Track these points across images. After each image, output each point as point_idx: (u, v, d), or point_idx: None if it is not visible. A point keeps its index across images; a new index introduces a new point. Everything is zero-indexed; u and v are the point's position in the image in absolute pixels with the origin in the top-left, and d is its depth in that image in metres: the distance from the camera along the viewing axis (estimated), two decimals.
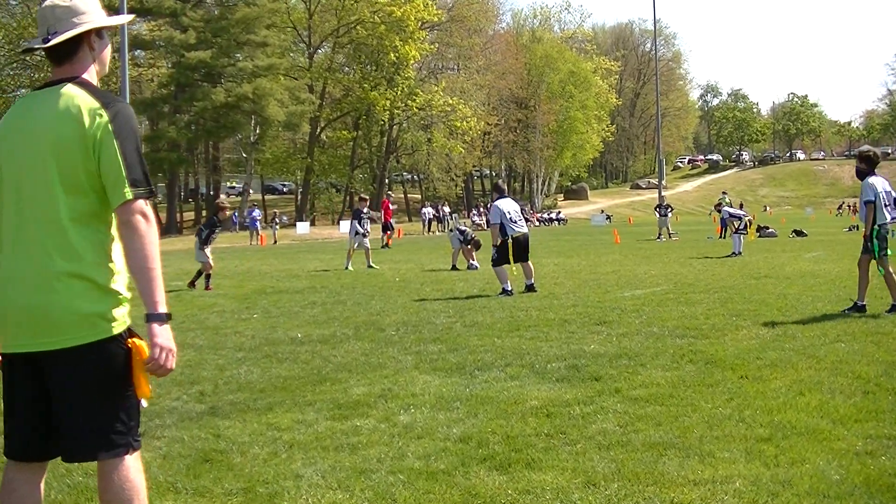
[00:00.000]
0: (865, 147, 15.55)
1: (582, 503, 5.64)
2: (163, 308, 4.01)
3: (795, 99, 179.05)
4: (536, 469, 6.30)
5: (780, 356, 10.33)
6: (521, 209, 18.91)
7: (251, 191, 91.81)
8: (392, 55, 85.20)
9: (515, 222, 18.82)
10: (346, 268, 27.25)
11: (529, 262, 19.12)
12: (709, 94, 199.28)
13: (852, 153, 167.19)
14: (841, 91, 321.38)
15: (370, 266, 27.45)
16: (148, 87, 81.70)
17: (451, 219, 70.76)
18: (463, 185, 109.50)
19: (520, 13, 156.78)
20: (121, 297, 4.10)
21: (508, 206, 19.02)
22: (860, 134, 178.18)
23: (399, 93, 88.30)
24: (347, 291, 20.17)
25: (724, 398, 8.23)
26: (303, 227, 70.92)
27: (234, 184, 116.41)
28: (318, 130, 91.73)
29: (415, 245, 49.15)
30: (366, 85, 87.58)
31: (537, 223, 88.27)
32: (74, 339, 3.97)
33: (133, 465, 4.16)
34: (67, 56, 4.22)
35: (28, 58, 78.05)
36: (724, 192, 52.79)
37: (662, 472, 6.10)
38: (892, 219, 14.11)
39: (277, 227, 62.98)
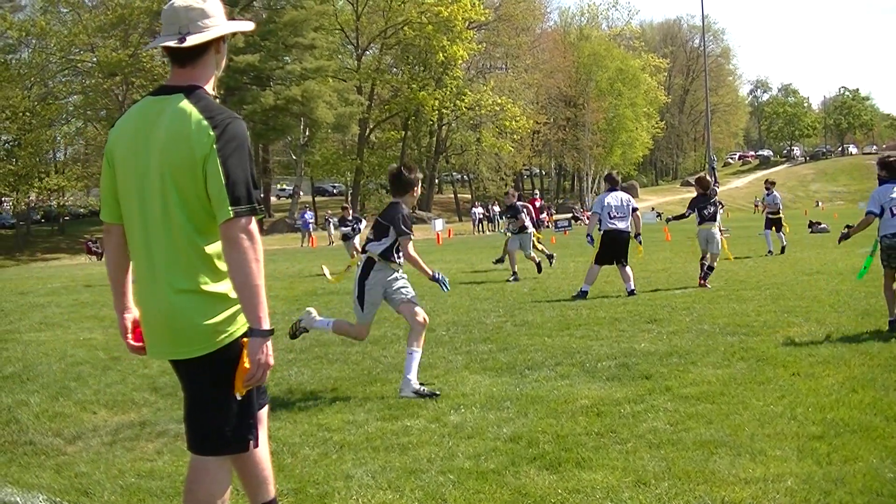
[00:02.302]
0: (889, 153, 14.97)
1: (632, 502, 5.62)
2: (266, 325, 4.10)
3: (847, 93, 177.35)
4: (586, 468, 6.29)
5: (833, 353, 10.24)
6: (628, 203, 17.64)
7: (301, 192, 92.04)
8: (440, 55, 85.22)
9: (613, 217, 17.82)
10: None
11: (626, 268, 17.90)
12: (759, 90, 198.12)
13: None
14: (893, 84, 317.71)
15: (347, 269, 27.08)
16: None
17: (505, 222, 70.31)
18: (513, 184, 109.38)
19: (567, 11, 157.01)
20: (239, 304, 4.23)
21: (612, 199, 18.08)
22: None
23: (447, 93, 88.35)
24: None
25: (776, 396, 8.17)
26: None
27: (284, 186, 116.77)
28: (368, 131, 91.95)
29: (465, 245, 49.14)
30: (414, 85, 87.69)
31: (587, 221, 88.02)
32: (197, 350, 4.20)
33: (224, 465, 4.38)
34: (192, 59, 4.28)
35: (78, 64, 78.98)
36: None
37: (713, 471, 6.08)
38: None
39: (332, 227, 63.00)
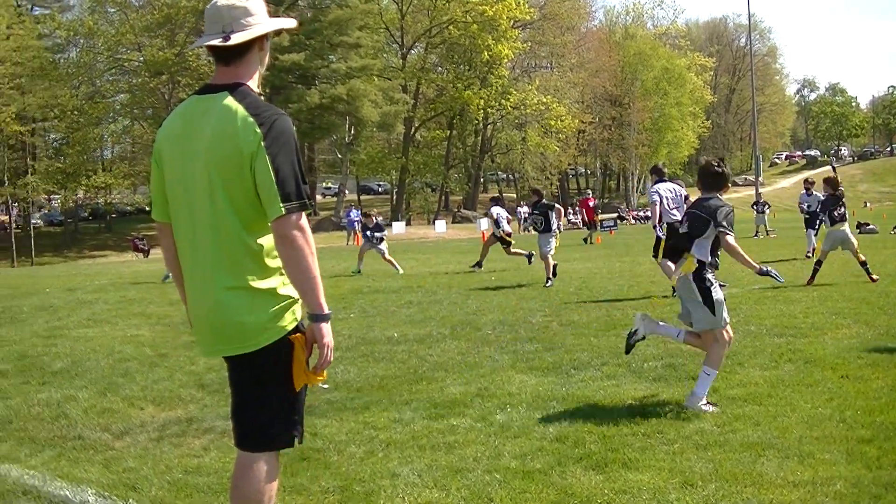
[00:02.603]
0: None
1: (679, 503, 5.61)
2: (326, 309, 4.25)
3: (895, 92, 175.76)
4: (633, 469, 6.28)
5: (882, 355, 10.14)
6: (681, 196, 17.22)
7: (346, 191, 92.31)
8: (485, 54, 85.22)
9: (672, 209, 17.37)
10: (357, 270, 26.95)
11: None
12: (806, 89, 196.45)
13: None
14: None
15: (395, 268, 26.86)
16: None
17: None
18: (558, 183, 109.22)
19: (612, 10, 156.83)
20: (287, 301, 4.32)
21: (665, 190, 17.63)
22: None
23: (493, 92, 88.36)
24: (443, 291, 20.20)
25: (824, 398, 8.11)
26: (398, 227, 71.17)
27: (329, 184, 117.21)
28: (413, 130, 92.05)
29: None
30: (459, 84, 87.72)
31: (633, 221, 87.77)
32: (245, 347, 4.27)
33: (273, 463, 4.43)
34: (237, 57, 4.34)
35: (125, 63, 79.62)
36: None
37: (761, 473, 6.05)
38: None
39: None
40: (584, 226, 51.41)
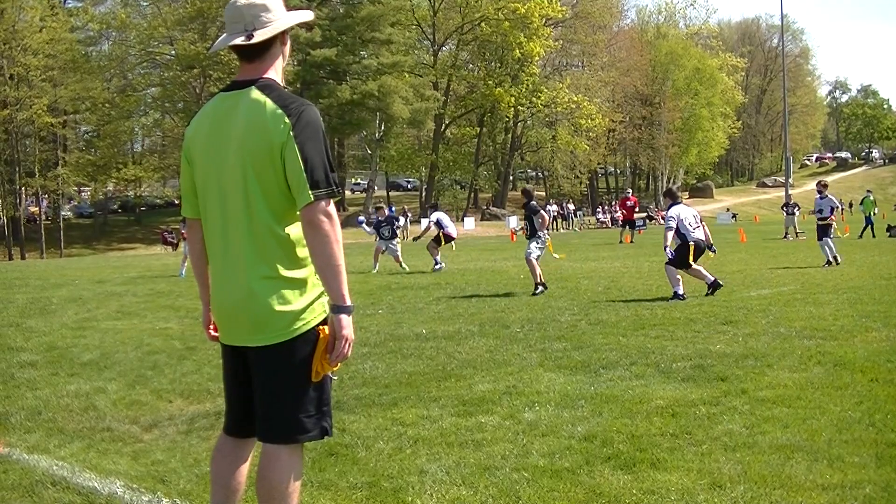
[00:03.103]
0: None
1: None
2: (348, 301, 4.28)
3: None
4: (661, 469, 6.27)
5: None
6: (696, 215, 17.71)
7: (376, 187, 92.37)
8: (517, 52, 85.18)
9: (695, 229, 17.97)
10: (374, 270, 27.13)
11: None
12: (837, 91, 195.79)
13: None
14: None
15: (402, 266, 27.16)
16: None
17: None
18: (588, 182, 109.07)
19: (644, 9, 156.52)
20: (316, 292, 4.39)
21: (685, 212, 18.28)
22: None
23: (523, 90, 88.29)
24: (472, 288, 20.23)
25: (854, 401, 8.08)
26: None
27: (358, 180, 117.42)
28: (443, 127, 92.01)
29: None
30: (490, 82, 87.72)
31: (662, 221, 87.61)
32: (275, 337, 4.30)
33: (299, 455, 4.46)
34: (260, 53, 4.42)
35: (157, 56, 79.93)
36: (868, 191, 51.63)
37: (790, 476, 6.03)
38: None
39: (409, 223, 63.32)
40: (622, 224, 51.24)
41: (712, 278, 17.71)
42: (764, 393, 8.51)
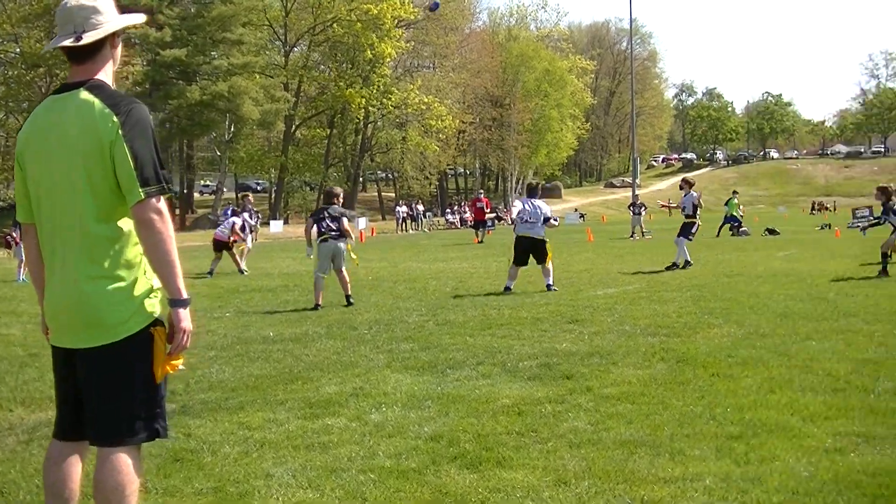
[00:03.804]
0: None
1: (552, 501, 5.64)
2: (185, 294, 4.35)
3: (770, 98, 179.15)
4: (507, 467, 6.30)
5: (752, 354, 10.38)
6: (537, 210, 18.89)
7: (225, 189, 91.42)
8: (368, 53, 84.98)
9: (525, 222, 18.81)
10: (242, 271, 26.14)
11: (546, 264, 18.73)
12: (684, 94, 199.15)
13: (825, 152, 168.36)
14: (815, 90, 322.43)
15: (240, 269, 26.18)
16: (122, 85, 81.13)
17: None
18: (437, 183, 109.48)
19: (496, 11, 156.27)
20: (148, 291, 4.40)
21: (522, 205, 19.15)
22: (833, 133, 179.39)
23: (374, 91, 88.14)
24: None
25: (696, 396, 8.26)
26: (276, 226, 70.60)
27: (207, 182, 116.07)
28: (293, 128, 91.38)
29: (388, 244, 49.04)
30: (341, 83, 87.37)
31: (510, 222, 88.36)
32: (104, 338, 4.28)
33: (135, 456, 4.41)
34: (90, 55, 4.42)
35: (2, 55, 77.85)
36: (734, 192, 52.65)
37: (633, 470, 6.12)
38: None
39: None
40: (472, 225, 51.74)
41: (510, 285, 18.64)
42: (609, 390, 8.63)
